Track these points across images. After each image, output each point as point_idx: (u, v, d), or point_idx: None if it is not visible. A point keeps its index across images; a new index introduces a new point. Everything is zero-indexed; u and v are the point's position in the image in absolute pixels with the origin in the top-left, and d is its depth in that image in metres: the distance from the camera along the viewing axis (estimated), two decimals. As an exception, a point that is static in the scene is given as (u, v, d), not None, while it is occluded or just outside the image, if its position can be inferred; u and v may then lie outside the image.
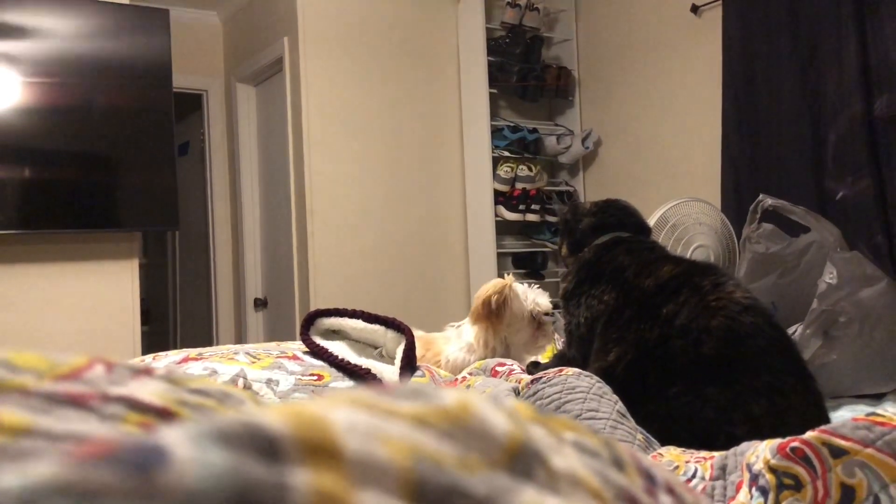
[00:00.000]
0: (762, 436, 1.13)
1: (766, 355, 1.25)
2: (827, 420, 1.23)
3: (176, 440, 0.21)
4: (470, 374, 1.72)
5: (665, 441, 1.18)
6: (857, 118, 2.83)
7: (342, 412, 0.23)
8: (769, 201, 2.05)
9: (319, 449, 0.22)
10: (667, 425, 1.22)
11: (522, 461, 0.26)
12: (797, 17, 3.05)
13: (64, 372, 0.35)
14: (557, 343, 2.01)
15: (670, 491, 0.34)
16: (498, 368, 1.59)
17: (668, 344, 1.29)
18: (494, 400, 0.28)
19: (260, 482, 0.21)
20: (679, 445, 1.18)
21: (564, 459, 0.28)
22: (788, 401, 1.21)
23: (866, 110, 2.82)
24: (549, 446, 0.28)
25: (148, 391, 0.35)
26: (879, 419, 0.87)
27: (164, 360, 1.60)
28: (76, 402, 0.32)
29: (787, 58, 3.08)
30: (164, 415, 0.35)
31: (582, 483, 0.27)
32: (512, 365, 1.58)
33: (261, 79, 4.31)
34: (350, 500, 0.21)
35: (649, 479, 0.34)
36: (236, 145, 4.46)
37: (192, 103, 4.65)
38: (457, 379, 1.63)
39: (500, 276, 3.89)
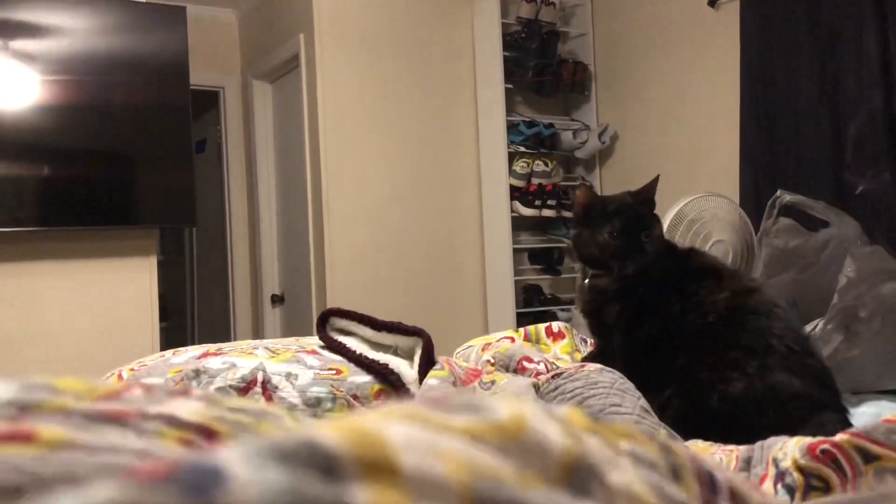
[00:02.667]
0: (753, 391, 1.19)
1: (766, 322, 1.28)
2: (818, 374, 1.25)
3: (233, 459, 0.21)
4: (491, 363, 1.70)
5: (662, 411, 1.21)
6: (877, 111, 2.80)
7: (398, 427, 0.23)
8: (787, 197, 2.03)
9: (378, 465, 0.22)
10: (662, 391, 1.26)
11: (579, 477, 0.25)
12: (816, 10, 3.02)
13: (103, 393, 0.35)
14: (579, 345, 1.99)
15: (733, 496, 0.33)
16: (526, 364, 1.57)
17: (684, 318, 1.32)
18: (547, 409, 0.28)
19: (320, 501, 0.21)
20: (674, 413, 1.23)
21: (621, 474, 0.27)
22: (782, 360, 1.23)
23: (886, 103, 2.79)
24: (605, 459, 0.27)
25: (186, 409, 0.35)
26: (912, 421, 0.86)
27: (184, 356, 1.60)
28: (115, 419, 0.32)
29: (806, 51, 3.05)
30: (202, 431, 0.34)
31: (638, 500, 0.27)
32: (539, 364, 1.56)
33: (277, 75, 4.32)
34: None
35: (710, 484, 0.33)
36: (253, 142, 4.47)
37: (208, 100, 4.67)
38: (479, 370, 1.61)
39: (516, 272, 3.90)
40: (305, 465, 0.21)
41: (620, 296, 1.43)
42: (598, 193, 4.13)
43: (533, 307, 3.97)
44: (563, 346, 2.01)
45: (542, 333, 2.08)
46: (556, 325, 2.11)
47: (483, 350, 1.87)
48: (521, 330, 2.07)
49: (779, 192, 2.07)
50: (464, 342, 2.01)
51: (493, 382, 1.47)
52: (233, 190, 4.63)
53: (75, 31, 3.08)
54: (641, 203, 1.46)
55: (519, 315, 3.85)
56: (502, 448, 0.24)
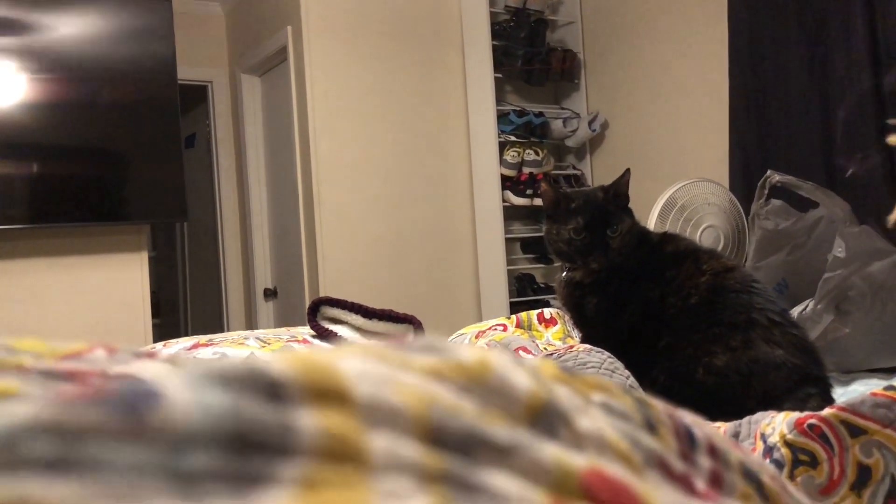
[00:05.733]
0: (741, 361, 1.22)
1: (747, 297, 1.30)
2: (800, 344, 1.27)
3: (170, 381, 0.20)
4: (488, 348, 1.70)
5: (649, 389, 1.22)
6: (866, 94, 2.80)
7: (352, 361, 0.22)
8: (777, 177, 2.03)
9: (327, 392, 0.21)
10: (649, 371, 1.28)
11: (545, 419, 0.25)
12: (805, -9, 3.02)
13: (64, 354, 0.35)
14: (571, 331, 1.99)
15: (711, 451, 0.33)
16: (522, 355, 1.58)
17: (664, 301, 1.34)
18: (516, 358, 0.27)
19: (262, 422, 0.20)
20: (660, 389, 1.24)
21: (591, 420, 0.27)
22: (764, 331, 1.25)
23: (875, 86, 2.79)
24: (574, 407, 0.27)
25: (149, 370, 0.35)
26: (896, 395, 0.86)
27: (175, 347, 1.60)
28: (73, 378, 0.32)
29: (795, 35, 3.05)
30: None
31: (609, 445, 0.26)
32: (537, 357, 1.56)
33: (265, 69, 4.30)
34: (361, 439, 0.20)
35: (688, 439, 0.32)
36: (242, 136, 4.46)
37: (197, 95, 4.65)
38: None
39: (509, 261, 3.91)
40: (248, 389, 0.21)
41: (596, 288, 1.44)
42: (588, 183, 4.14)
43: (526, 296, 3.97)
44: (556, 333, 2.01)
45: (535, 320, 2.09)
46: (548, 312, 2.11)
47: (477, 338, 1.87)
48: (514, 317, 2.07)
49: (769, 172, 2.07)
50: (458, 331, 2.01)
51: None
52: (223, 184, 4.62)
53: (61, 28, 3.07)
54: (612, 198, 1.45)
55: (512, 304, 3.85)
56: (464, 386, 0.24)
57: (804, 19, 3.01)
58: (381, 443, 0.20)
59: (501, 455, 0.22)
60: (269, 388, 0.21)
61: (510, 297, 3.89)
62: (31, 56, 3.01)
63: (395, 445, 0.20)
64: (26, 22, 3.01)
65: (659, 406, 0.32)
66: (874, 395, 0.88)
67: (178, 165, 3.32)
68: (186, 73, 3.89)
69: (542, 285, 4.09)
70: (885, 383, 1.49)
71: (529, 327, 2.08)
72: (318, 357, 0.22)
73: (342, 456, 0.20)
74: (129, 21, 3.21)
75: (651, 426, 0.30)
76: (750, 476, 0.32)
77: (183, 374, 0.20)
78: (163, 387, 0.20)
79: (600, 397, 0.29)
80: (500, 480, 0.21)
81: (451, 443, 0.21)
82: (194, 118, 4.80)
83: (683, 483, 0.28)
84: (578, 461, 0.23)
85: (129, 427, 0.19)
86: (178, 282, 5.30)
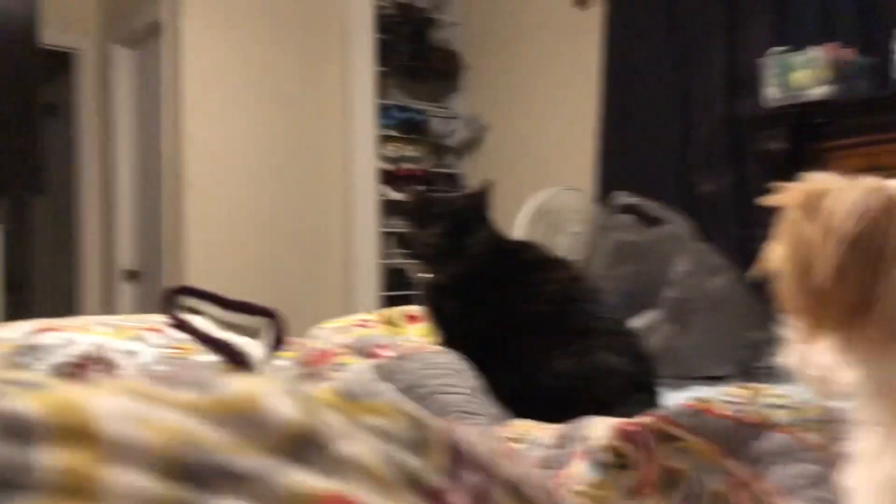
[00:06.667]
0: (581, 366, 1.29)
1: (590, 307, 1.39)
2: (634, 352, 1.37)
3: None
4: (345, 346, 1.71)
5: (496, 391, 1.27)
6: (722, 118, 3.01)
7: (104, 399, 0.24)
8: (624, 198, 2.16)
9: (74, 431, 0.23)
10: (500, 375, 1.32)
11: (300, 447, 0.27)
12: (674, 21, 3.20)
13: None
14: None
15: (478, 467, 0.36)
16: (379, 351, 1.59)
17: (516, 307, 1.40)
18: (290, 387, 0.30)
19: (3, 462, 0.22)
20: (507, 392, 1.29)
21: (353, 445, 0.30)
22: (603, 338, 1.34)
23: (730, 111, 3.00)
24: (340, 433, 0.30)
25: None
26: (703, 405, 0.96)
27: (16, 330, 1.52)
28: None
29: (663, 58, 3.23)
30: None
31: (365, 468, 0.29)
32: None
33: (139, 41, 4.11)
34: (97, 475, 0.22)
35: (456, 457, 0.35)
36: (110, 109, 4.24)
37: (61, 62, 4.38)
38: (330, 351, 1.61)
39: (385, 255, 3.92)
40: None
41: (454, 292, 1.49)
42: (465, 183, 4.22)
43: (401, 290, 4.00)
44: (420, 329, 2.05)
45: (399, 316, 2.12)
46: (416, 308, 2.15)
47: (337, 332, 1.88)
48: (378, 313, 2.09)
49: (615, 194, 2.21)
50: (316, 326, 2.01)
51: (343, 364, 1.49)
52: (85, 158, 4.37)
53: None
54: (473, 206, 1.51)
55: (385, 298, 3.88)
56: (220, 420, 0.26)
57: (672, 44, 3.19)
58: (119, 477, 0.22)
59: (239, 483, 0.24)
60: (15, 427, 0.22)
61: (385, 291, 3.91)
62: None
63: (134, 479, 0.22)
64: None
65: (435, 426, 0.35)
66: (685, 405, 0.97)
67: (34, 135, 3.12)
68: (51, 36, 3.66)
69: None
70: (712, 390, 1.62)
71: (393, 322, 2.11)
72: (71, 397, 0.24)
73: (77, 490, 0.21)
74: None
75: (418, 446, 0.33)
76: (514, 488, 0.36)
77: None
78: None
79: (373, 421, 0.32)
80: (230, 507, 0.23)
81: (192, 473, 0.24)
82: (58, 86, 4.52)
83: (436, 499, 0.32)
84: (321, 485, 0.26)
85: None
86: (32, 258, 4.99)
